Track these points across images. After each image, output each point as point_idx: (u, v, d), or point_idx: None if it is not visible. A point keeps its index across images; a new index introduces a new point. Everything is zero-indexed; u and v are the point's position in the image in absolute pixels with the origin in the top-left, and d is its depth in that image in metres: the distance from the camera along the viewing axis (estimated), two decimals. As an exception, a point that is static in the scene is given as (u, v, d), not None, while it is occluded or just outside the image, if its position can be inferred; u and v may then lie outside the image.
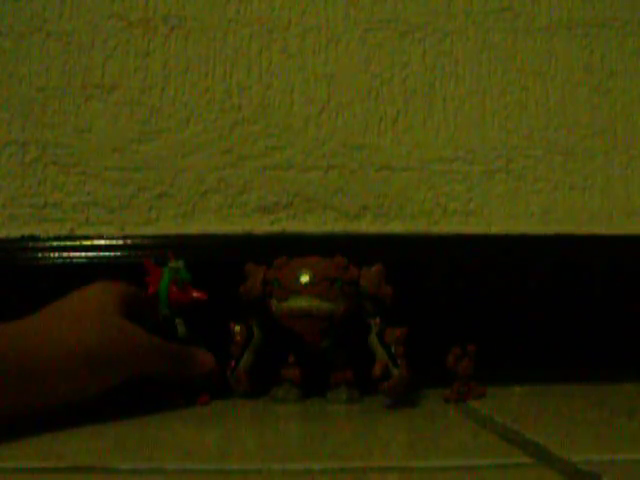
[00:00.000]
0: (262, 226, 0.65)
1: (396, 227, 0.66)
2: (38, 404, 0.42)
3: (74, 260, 0.62)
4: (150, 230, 0.64)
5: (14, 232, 0.63)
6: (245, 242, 0.64)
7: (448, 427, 0.48)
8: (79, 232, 0.63)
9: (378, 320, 0.53)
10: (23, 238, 0.63)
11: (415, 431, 0.46)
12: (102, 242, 0.62)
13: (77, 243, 0.62)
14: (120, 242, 0.63)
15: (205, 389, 0.53)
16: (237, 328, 0.55)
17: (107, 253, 0.62)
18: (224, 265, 0.60)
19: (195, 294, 0.54)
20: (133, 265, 0.56)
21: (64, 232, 0.63)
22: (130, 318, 0.48)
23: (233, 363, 0.55)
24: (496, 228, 0.66)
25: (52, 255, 0.62)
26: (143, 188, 0.65)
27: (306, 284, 0.52)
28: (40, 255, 0.62)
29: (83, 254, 0.62)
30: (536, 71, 0.69)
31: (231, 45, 0.67)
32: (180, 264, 0.54)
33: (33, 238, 0.63)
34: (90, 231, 0.63)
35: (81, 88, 0.65)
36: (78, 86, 0.65)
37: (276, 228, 0.65)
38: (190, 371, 0.52)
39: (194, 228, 0.64)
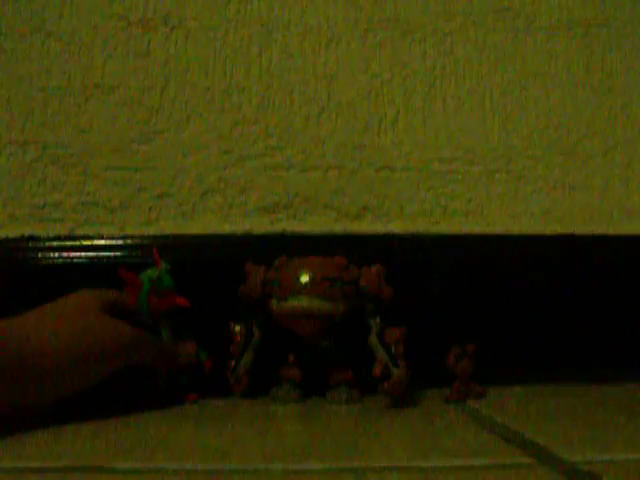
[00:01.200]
0: (262, 226, 0.65)
1: (396, 227, 0.66)
2: (35, 398, 0.43)
3: (74, 260, 0.62)
4: (150, 230, 0.64)
5: (14, 232, 0.63)
6: (245, 242, 0.64)
7: (448, 427, 0.48)
8: (79, 232, 0.63)
9: (378, 320, 0.53)
10: (23, 238, 0.63)
11: (415, 431, 0.46)
12: (102, 242, 0.62)
13: (77, 243, 0.62)
14: (120, 242, 0.62)
15: (191, 385, 0.53)
16: (237, 328, 0.55)
17: (107, 253, 0.62)
18: (224, 265, 0.60)
19: (176, 301, 0.53)
20: (133, 265, 0.56)
21: (64, 232, 0.63)
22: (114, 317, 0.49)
23: (233, 363, 0.55)
24: (496, 228, 0.66)
25: (52, 255, 0.62)
26: (143, 188, 0.65)
27: (306, 284, 0.52)
28: (40, 255, 0.62)
29: (83, 254, 0.62)
30: (536, 71, 0.69)
31: (231, 45, 0.67)
32: (162, 268, 0.53)
33: (33, 238, 0.63)
34: (90, 231, 0.63)
35: (81, 88, 0.65)
36: (78, 86, 0.65)
37: (276, 228, 0.65)
38: (173, 360, 0.53)
39: (194, 228, 0.64)
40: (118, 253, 0.62)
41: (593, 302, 0.64)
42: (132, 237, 0.63)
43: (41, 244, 0.62)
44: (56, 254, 0.62)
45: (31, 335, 0.43)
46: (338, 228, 0.65)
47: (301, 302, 0.52)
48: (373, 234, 0.65)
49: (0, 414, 0.41)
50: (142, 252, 0.61)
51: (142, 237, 0.63)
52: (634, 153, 0.69)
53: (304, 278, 0.52)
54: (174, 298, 0.53)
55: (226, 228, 0.64)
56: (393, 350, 0.51)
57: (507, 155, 0.68)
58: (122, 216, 0.64)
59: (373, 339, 0.52)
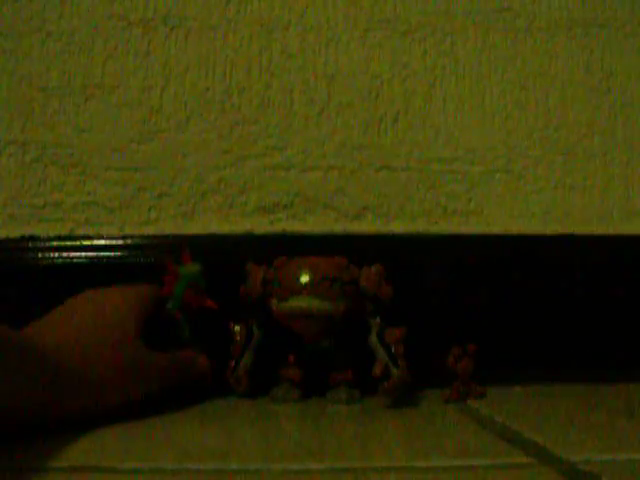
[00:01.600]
0: (262, 226, 0.65)
1: (396, 227, 0.66)
2: (76, 410, 0.43)
3: (74, 260, 0.62)
4: (150, 230, 0.64)
5: (14, 232, 0.63)
6: (245, 242, 0.64)
7: (448, 427, 0.48)
8: (79, 232, 0.63)
9: (378, 320, 0.53)
10: (23, 238, 0.63)
11: (415, 431, 0.46)
12: (102, 242, 0.62)
13: (77, 243, 0.62)
14: (120, 242, 0.62)
15: (200, 390, 0.54)
16: (237, 328, 0.55)
17: (107, 253, 0.62)
18: (224, 265, 0.60)
19: (208, 303, 0.55)
20: (133, 265, 0.56)
21: (64, 232, 0.63)
22: (146, 324, 0.50)
23: (233, 363, 0.55)
24: (496, 228, 0.66)
25: (52, 255, 0.62)
26: (143, 188, 0.65)
27: (306, 284, 0.52)
28: (40, 255, 0.62)
29: (83, 254, 0.62)
30: (536, 71, 0.69)
31: (231, 45, 0.67)
32: (196, 268, 0.55)
33: (33, 238, 0.63)
34: (90, 231, 0.63)
35: (81, 88, 0.65)
36: (78, 86, 0.65)
37: (276, 228, 0.65)
38: (190, 377, 0.53)
39: (194, 228, 0.64)
40: (118, 253, 0.62)
41: (593, 302, 0.64)
42: (132, 237, 0.63)
43: (41, 244, 0.62)
44: (56, 254, 0.62)
45: (73, 352, 0.43)
46: (338, 228, 0.65)
47: (301, 302, 0.52)
48: (373, 234, 0.65)
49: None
50: (142, 252, 0.61)
51: (142, 237, 0.63)
52: (634, 153, 0.69)
53: (304, 278, 0.52)
54: (205, 298, 0.55)
55: (226, 228, 0.64)
56: (393, 350, 0.51)
57: (507, 155, 0.68)
58: (122, 216, 0.64)
59: (373, 339, 0.52)
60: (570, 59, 0.69)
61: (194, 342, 0.54)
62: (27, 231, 0.63)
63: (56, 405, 0.41)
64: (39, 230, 0.63)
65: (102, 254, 0.62)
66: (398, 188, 0.66)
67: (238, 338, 0.55)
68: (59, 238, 0.63)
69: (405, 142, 0.67)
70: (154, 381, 0.49)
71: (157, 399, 0.49)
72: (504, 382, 0.59)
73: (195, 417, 0.49)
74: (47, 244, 0.62)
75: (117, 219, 0.64)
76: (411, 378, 0.51)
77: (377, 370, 0.50)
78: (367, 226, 0.66)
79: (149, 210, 0.64)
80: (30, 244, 0.62)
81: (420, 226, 0.66)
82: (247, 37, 0.67)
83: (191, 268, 0.55)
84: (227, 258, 0.61)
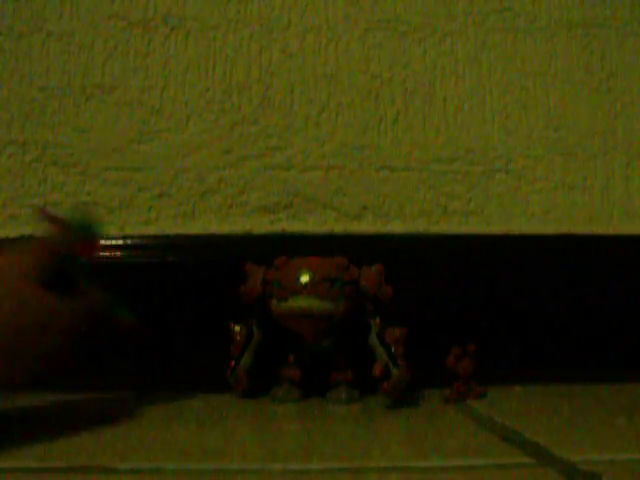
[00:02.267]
0: (262, 226, 0.65)
1: (396, 227, 0.66)
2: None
3: (74, 260, 0.61)
4: (150, 230, 0.64)
5: (14, 232, 0.63)
6: (245, 242, 0.64)
7: (448, 427, 0.48)
8: (79, 232, 0.63)
9: (378, 320, 0.53)
10: (23, 238, 0.63)
11: (415, 431, 0.46)
12: (102, 242, 0.62)
13: (77, 243, 0.62)
14: (120, 242, 0.62)
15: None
16: (237, 328, 0.56)
17: (107, 253, 0.62)
18: (224, 265, 0.60)
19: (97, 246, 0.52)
20: (133, 265, 0.56)
21: (64, 232, 0.63)
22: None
23: (233, 363, 0.55)
24: (496, 228, 0.66)
25: (52, 255, 0.61)
26: (143, 188, 0.65)
27: (306, 284, 0.52)
28: (40, 255, 0.61)
29: (83, 254, 0.62)
30: (536, 71, 0.69)
31: (231, 45, 0.67)
32: (82, 216, 0.52)
33: (33, 238, 0.62)
34: (90, 231, 0.63)
35: (81, 88, 0.65)
36: (78, 86, 0.65)
37: (276, 228, 0.65)
38: (105, 322, 0.50)
39: (194, 228, 0.64)
40: (118, 253, 0.62)
41: (593, 302, 0.64)
42: (132, 237, 0.63)
43: (41, 244, 0.62)
44: (56, 254, 0.61)
45: None
46: (338, 228, 0.65)
47: (301, 302, 0.52)
48: (373, 234, 0.65)
49: None
50: (142, 252, 0.61)
51: (142, 237, 0.63)
52: (634, 153, 0.69)
53: (304, 278, 0.52)
54: (96, 246, 0.52)
55: (226, 228, 0.64)
56: (393, 350, 0.51)
57: (507, 155, 0.68)
58: (122, 216, 0.64)
59: (373, 339, 0.52)
60: (570, 59, 0.69)
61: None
62: (27, 231, 0.63)
63: None
64: (39, 230, 0.63)
65: (102, 254, 0.62)
66: (398, 188, 0.66)
67: (238, 338, 0.55)
68: (59, 238, 0.62)
69: (405, 142, 0.67)
70: (69, 327, 0.45)
71: (81, 349, 0.47)
72: (504, 382, 0.59)
73: (194, 417, 0.49)
74: (47, 244, 0.62)
75: (117, 219, 0.64)
76: (411, 378, 0.51)
77: (377, 370, 0.50)
78: (367, 226, 0.66)
79: (149, 210, 0.64)
80: (30, 244, 0.62)
81: (420, 226, 0.66)
82: (247, 37, 0.67)
83: (77, 217, 0.51)
84: (227, 258, 0.61)
